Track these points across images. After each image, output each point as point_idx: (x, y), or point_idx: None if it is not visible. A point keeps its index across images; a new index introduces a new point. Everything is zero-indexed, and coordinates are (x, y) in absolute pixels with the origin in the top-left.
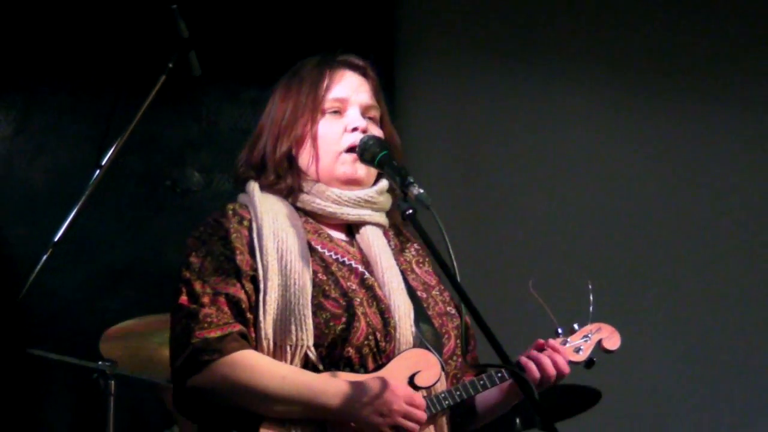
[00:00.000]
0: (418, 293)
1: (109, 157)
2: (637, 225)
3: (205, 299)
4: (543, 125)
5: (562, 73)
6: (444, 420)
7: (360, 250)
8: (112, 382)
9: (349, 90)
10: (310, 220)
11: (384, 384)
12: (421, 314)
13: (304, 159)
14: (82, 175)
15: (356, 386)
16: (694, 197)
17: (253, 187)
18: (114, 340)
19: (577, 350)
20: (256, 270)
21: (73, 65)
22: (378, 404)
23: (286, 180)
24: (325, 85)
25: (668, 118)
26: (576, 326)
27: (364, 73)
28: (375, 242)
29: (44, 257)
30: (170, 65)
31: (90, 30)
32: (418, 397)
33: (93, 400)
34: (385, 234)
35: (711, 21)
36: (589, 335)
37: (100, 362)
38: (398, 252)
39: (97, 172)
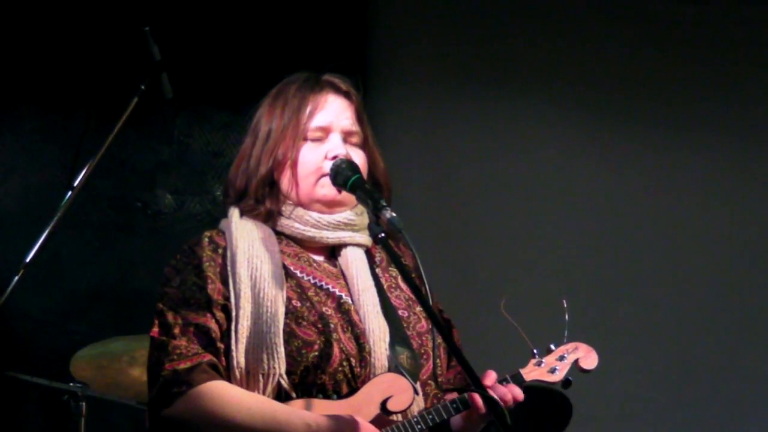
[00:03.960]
0: (400, 311)
1: (81, 179)
2: (610, 243)
3: (176, 330)
4: (516, 147)
5: (535, 95)
6: None
7: (341, 271)
8: (83, 403)
9: (332, 116)
10: (291, 244)
11: (351, 421)
12: (398, 336)
13: (285, 183)
14: (53, 197)
15: (322, 420)
16: (665, 215)
17: (232, 213)
18: (84, 362)
19: (553, 370)
20: (228, 298)
21: (44, 87)
22: None
23: (266, 204)
24: (307, 111)
25: (639, 139)
26: (552, 346)
27: (347, 96)
28: (353, 264)
29: (15, 279)
30: (142, 87)
31: (61, 52)
32: None
33: (64, 421)
34: (371, 250)
35: (683, 45)
36: (565, 355)
37: (71, 384)
38: (384, 268)
39: (69, 193)
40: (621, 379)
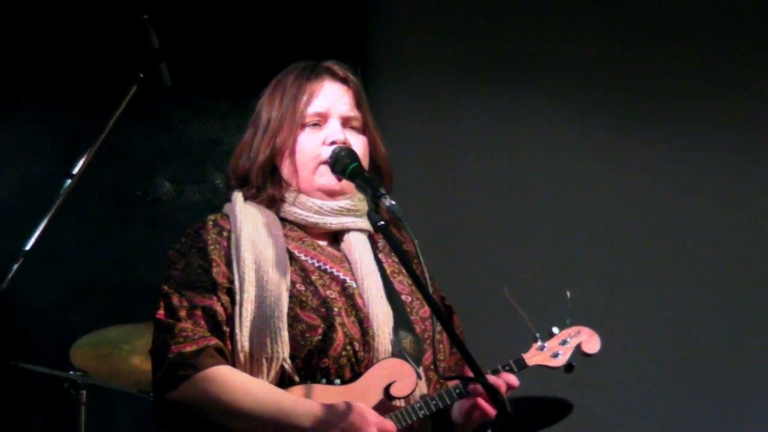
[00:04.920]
0: (403, 297)
1: (80, 168)
2: (609, 234)
3: (182, 313)
4: (515, 138)
5: (533, 87)
6: (422, 429)
7: (345, 255)
8: (84, 392)
9: (329, 102)
10: (295, 229)
11: (355, 409)
12: (402, 320)
13: (286, 171)
14: (51, 187)
15: (327, 409)
16: (664, 209)
17: (236, 197)
18: (85, 350)
19: (555, 355)
20: (232, 282)
21: (42, 77)
22: (347, 429)
23: (268, 191)
24: (305, 98)
25: (637, 134)
26: (555, 330)
27: (345, 82)
28: (356, 248)
29: (14, 267)
30: (141, 76)
31: (60, 41)
32: (389, 424)
33: (64, 410)
34: (374, 236)
35: (681, 41)
36: (568, 339)
37: (71, 372)
38: (387, 254)
39: (68, 181)
40: (621, 372)
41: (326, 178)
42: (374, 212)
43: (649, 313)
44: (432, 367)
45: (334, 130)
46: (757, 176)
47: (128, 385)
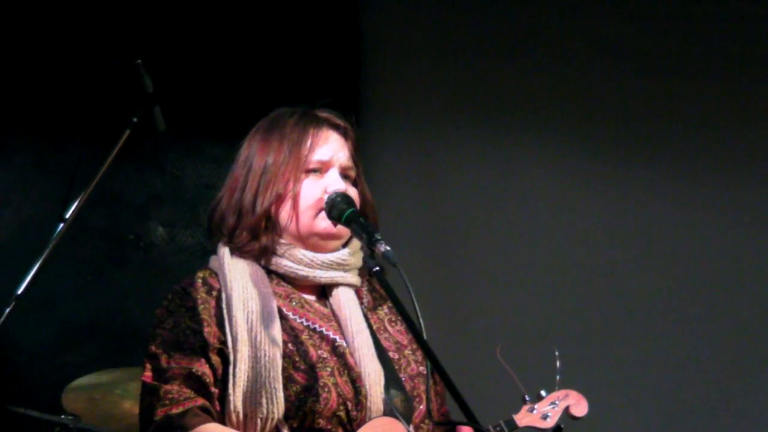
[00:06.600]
0: (390, 354)
1: (73, 212)
2: (606, 284)
3: (169, 375)
4: (510, 184)
5: (527, 130)
6: None
7: (332, 311)
8: None
9: (332, 151)
10: (282, 283)
11: None
12: (392, 378)
13: (283, 216)
14: (45, 229)
15: None
16: (662, 254)
17: (224, 252)
18: (77, 394)
19: (545, 417)
20: (224, 342)
21: (37, 119)
22: None
23: (261, 240)
24: (308, 145)
25: (637, 175)
26: (543, 393)
27: (344, 134)
28: (346, 305)
29: (7, 311)
30: (135, 120)
31: (55, 85)
32: None
33: None
34: (359, 292)
35: (677, 80)
36: (557, 402)
37: (63, 416)
38: (371, 310)
39: (61, 225)
40: (615, 421)
41: (327, 222)
42: (370, 258)
43: (647, 360)
44: (422, 424)
45: (334, 180)
46: (761, 219)
47: (120, 430)
